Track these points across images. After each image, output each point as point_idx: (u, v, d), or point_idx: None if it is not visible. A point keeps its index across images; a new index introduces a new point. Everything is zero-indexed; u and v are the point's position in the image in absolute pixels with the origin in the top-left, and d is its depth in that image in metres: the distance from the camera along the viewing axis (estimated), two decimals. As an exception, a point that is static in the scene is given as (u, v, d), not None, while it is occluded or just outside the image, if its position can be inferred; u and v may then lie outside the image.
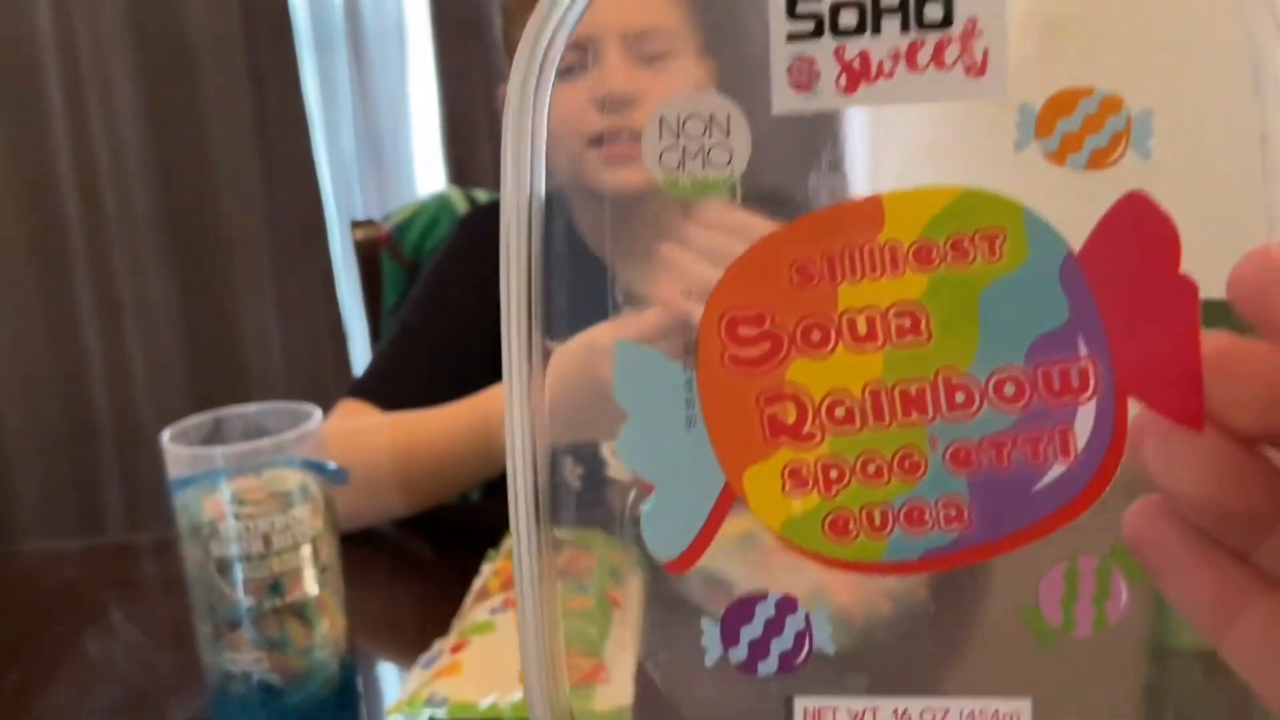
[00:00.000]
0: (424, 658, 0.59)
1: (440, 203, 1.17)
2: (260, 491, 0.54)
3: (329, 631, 0.56)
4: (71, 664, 0.65)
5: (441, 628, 0.63)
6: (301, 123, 1.69)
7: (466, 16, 1.68)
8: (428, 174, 1.81)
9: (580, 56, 0.87)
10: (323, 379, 1.75)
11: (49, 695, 0.62)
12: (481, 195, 1.18)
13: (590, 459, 1.09)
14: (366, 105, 1.77)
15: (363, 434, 0.79)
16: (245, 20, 1.62)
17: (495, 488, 1.14)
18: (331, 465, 0.56)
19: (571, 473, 1.03)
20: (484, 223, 1.02)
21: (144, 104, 1.61)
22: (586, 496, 1.04)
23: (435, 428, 0.79)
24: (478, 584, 0.68)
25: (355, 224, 1.19)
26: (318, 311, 1.74)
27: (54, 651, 0.67)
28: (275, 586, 0.54)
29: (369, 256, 1.17)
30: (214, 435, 0.57)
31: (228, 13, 1.61)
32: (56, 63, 1.57)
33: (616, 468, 1.04)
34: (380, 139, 1.79)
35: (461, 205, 1.17)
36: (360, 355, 1.76)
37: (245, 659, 0.54)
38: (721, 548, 0.63)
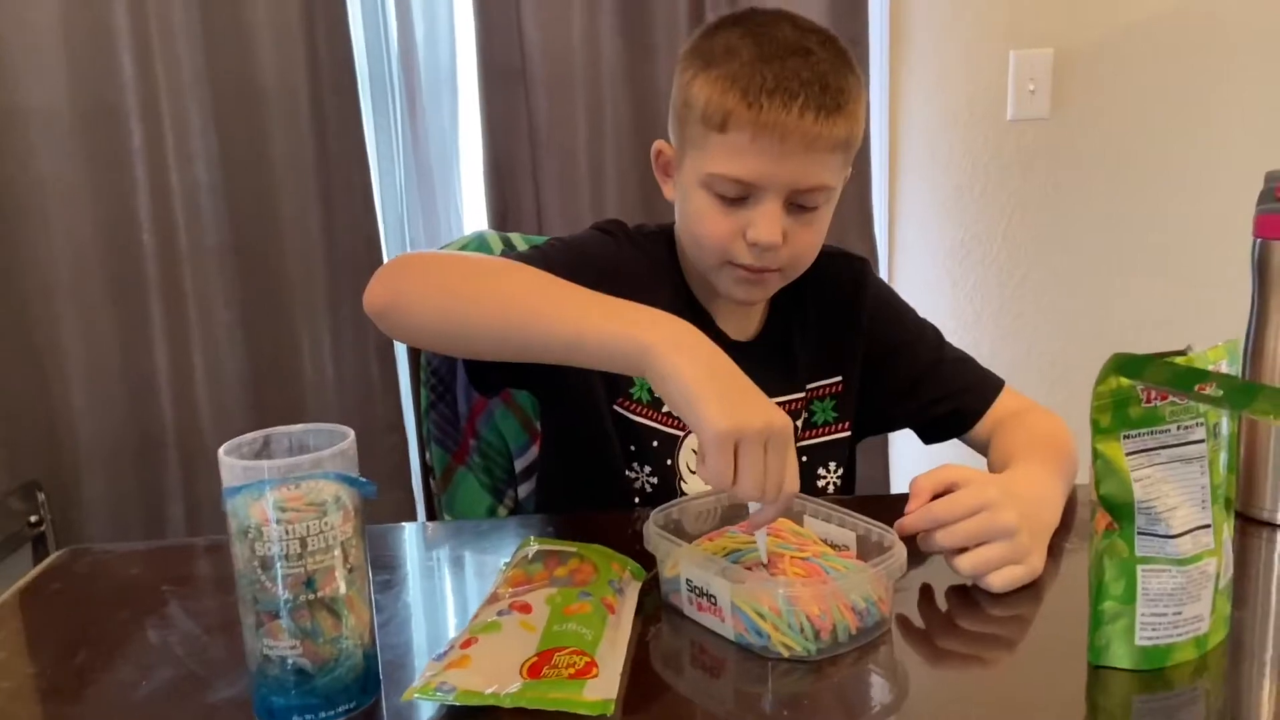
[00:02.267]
0: (438, 652, 0.67)
1: (478, 242, 1.26)
2: (300, 500, 0.62)
3: (355, 624, 0.64)
4: (132, 648, 0.74)
5: (457, 626, 0.71)
6: (359, 164, 1.80)
7: (511, 67, 1.78)
8: (474, 214, 1.92)
9: (743, 192, 0.93)
10: (372, 399, 1.85)
11: (111, 674, 0.71)
12: (517, 238, 1.27)
13: (665, 471, 1.18)
14: (418, 148, 1.88)
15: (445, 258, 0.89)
16: (310, 71, 1.74)
17: (521, 507, 1.23)
18: (362, 480, 0.64)
19: (645, 479, 1.13)
20: (624, 244, 1.04)
21: (216, 147, 1.73)
22: (652, 501, 1.12)
23: (500, 284, 0.81)
24: (489, 590, 0.76)
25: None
26: (369, 336, 1.85)
27: (116, 637, 0.76)
28: (309, 583, 0.62)
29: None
30: (264, 450, 0.66)
31: (295, 64, 1.73)
32: (138, 108, 1.69)
33: (694, 483, 1.13)
34: (431, 179, 1.90)
35: (497, 245, 1.26)
36: (407, 378, 1.86)
37: (282, 645, 0.62)
38: (704, 565, 0.71)
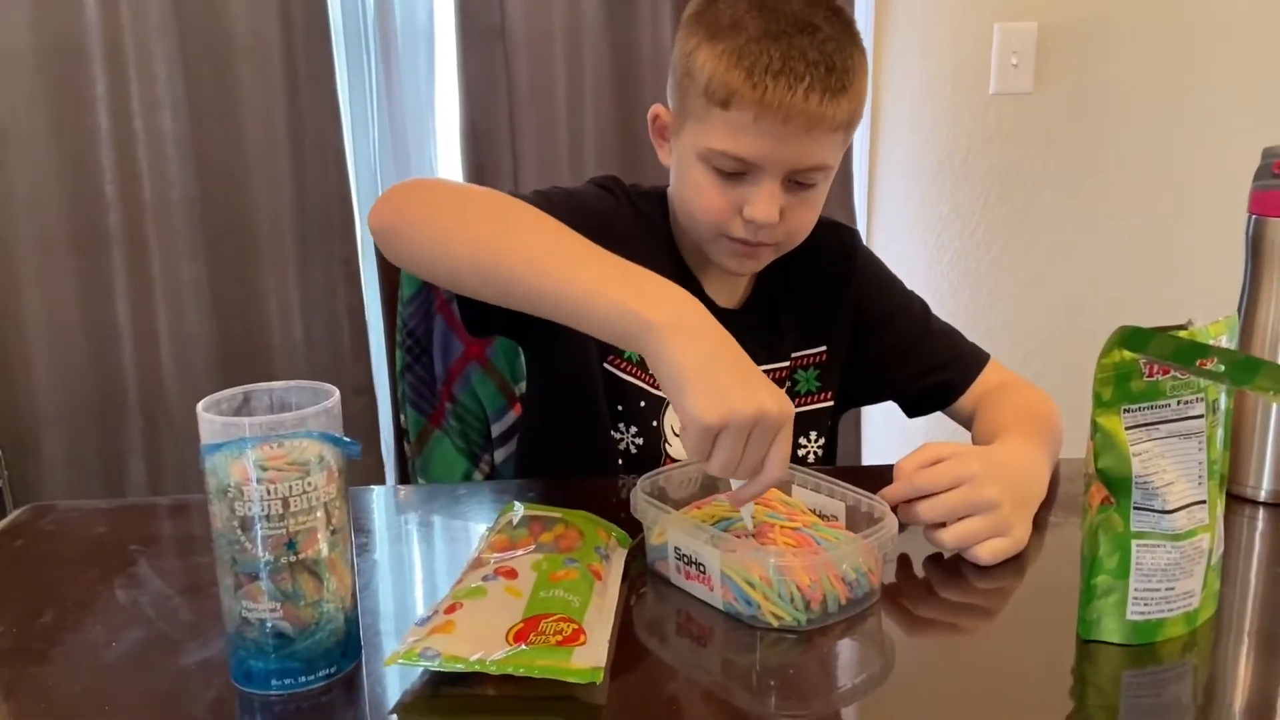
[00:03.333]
0: (420, 617, 0.65)
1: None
2: (282, 459, 0.60)
3: (337, 588, 0.62)
4: (100, 608, 0.72)
5: (440, 592, 0.69)
6: (332, 119, 1.75)
7: (490, 25, 1.74)
8: (449, 174, 1.88)
9: (742, 169, 0.92)
10: (342, 361, 1.82)
11: (79, 634, 0.69)
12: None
13: (651, 433, 1.18)
14: (393, 105, 1.83)
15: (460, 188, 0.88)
16: (283, 20, 1.68)
17: (497, 472, 1.21)
18: (347, 439, 0.62)
19: (630, 439, 1.12)
20: (623, 203, 1.03)
21: (183, 95, 1.68)
22: (635, 463, 1.11)
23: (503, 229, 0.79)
24: (473, 554, 0.74)
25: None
26: (339, 297, 1.81)
27: (84, 596, 0.74)
28: (291, 544, 0.60)
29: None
30: (243, 408, 0.64)
31: (266, 12, 1.67)
32: (102, 53, 1.63)
33: (678, 447, 1.12)
34: (405, 138, 1.85)
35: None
36: (378, 340, 1.82)
37: (261, 608, 0.60)
38: (693, 533, 0.70)
